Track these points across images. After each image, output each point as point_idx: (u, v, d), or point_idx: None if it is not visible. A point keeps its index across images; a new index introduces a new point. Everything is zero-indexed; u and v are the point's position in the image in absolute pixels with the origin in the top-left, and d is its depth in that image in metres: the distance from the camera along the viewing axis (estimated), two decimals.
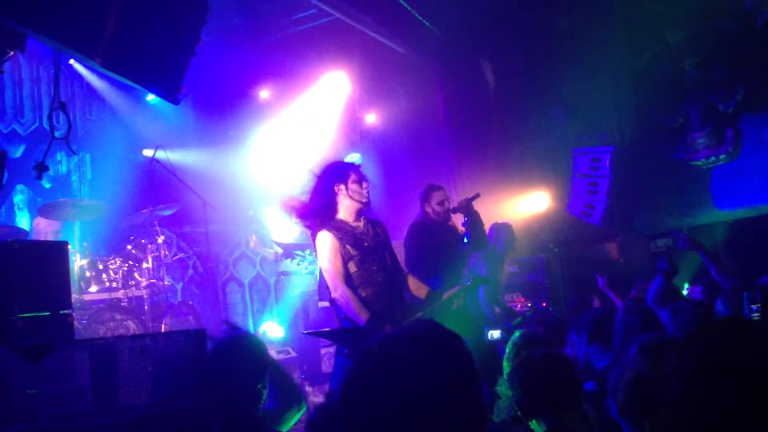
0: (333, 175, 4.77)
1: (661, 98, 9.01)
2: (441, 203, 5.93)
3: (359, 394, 1.43)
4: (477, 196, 5.80)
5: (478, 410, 1.43)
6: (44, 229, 7.19)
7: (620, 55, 9.14)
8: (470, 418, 1.40)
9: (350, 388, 1.45)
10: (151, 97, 8.75)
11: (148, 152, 7.97)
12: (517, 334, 3.83)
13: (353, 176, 4.78)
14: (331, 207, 4.73)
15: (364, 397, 1.41)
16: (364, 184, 4.80)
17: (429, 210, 5.94)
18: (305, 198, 4.77)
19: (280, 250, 8.73)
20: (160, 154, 7.54)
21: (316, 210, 4.71)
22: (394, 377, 1.39)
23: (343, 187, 4.72)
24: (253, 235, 8.71)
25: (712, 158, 8.66)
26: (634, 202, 9.16)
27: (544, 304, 8.25)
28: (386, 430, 1.37)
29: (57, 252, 3.97)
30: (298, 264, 8.28)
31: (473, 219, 5.74)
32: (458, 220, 6.10)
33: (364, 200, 4.76)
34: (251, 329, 9.05)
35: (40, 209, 7.01)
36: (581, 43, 9.14)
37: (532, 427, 2.79)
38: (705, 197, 8.68)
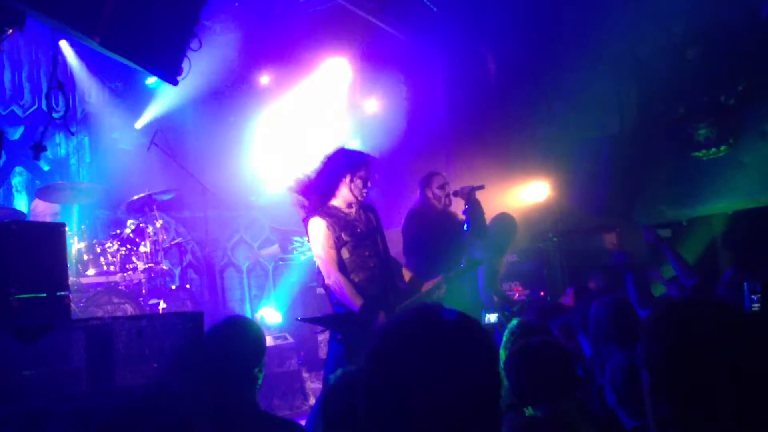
0: (346, 162, 4.77)
1: (662, 89, 8.98)
2: (442, 187, 5.92)
3: (382, 372, 1.42)
4: (482, 187, 5.80)
5: (495, 395, 1.44)
6: (42, 211, 7.17)
7: (622, 46, 9.10)
8: (489, 400, 1.41)
9: (373, 367, 1.45)
10: (150, 81, 8.71)
11: (141, 125, 7.90)
12: (514, 321, 3.83)
13: (362, 172, 4.77)
14: (331, 191, 4.73)
15: (387, 373, 1.41)
16: (368, 184, 4.80)
17: (429, 194, 5.92)
18: (310, 177, 4.77)
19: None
20: (159, 139, 7.52)
21: (318, 189, 4.71)
22: (418, 353, 1.39)
23: (349, 177, 4.72)
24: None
25: (713, 150, 8.63)
26: (634, 194, 9.14)
27: (542, 293, 8.24)
28: (410, 408, 1.37)
29: (54, 234, 3.96)
30: (296, 250, 8.28)
31: (474, 207, 5.74)
32: (458, 208, 6.09)
33: (359, 198, 4.77)
34: (249, 315, 9.05)
35: (38, 191, 6.99)
36: (583, 32, 9.10)
37: (526, 413, 2.80)
38: (705, 189, 8.66)
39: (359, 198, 4.75)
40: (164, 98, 8.88)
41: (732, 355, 1.56)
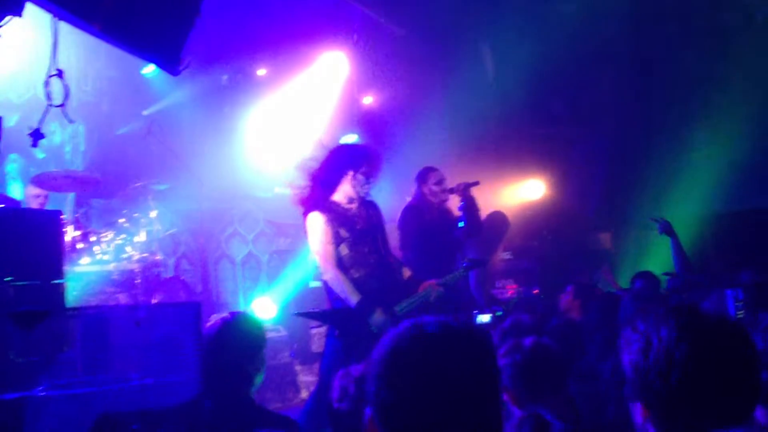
0: (349, 158, 4.75)
1: (659, 90, 9.01)
2: (438, 183, 5.93)
3: (392, 376, 1.45)
4: (477, 183, 5.81)
5: (497, 400, 1.47)
6: (37, 199, 7.12)
7: (623, 45, 9.11)
8: (490, 401, 1.44)
9: (383, 369, 1.47)
10: (147, 71, 8.67)
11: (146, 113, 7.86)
12: (505, 320, 3.84)
13: (364, 168, 4.75)
14: (333, 186, 4.72)
15: (396, 380, 1.44)
16: (371, 180, 4.78)
17: (426, 190, 5.92)
18: (313, 169, 4.75)
19: None
20: (154, 129, 7.49)
21: (319, 184, 4.70)
22: (426, 373, 1.42)
23: (351, 173, 4.70)
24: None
25: (707, 150, 8.67)
26: (629, 194, 9.17)
27: (536, 291, 8.27)
28: (415, 411, 1.40)
29: (50, 221, 3.94)
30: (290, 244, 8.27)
31: (470, 204, 5.75)
32: (453, 204, 6.10)
33: (361, 194, 4.75)
34: (242, 307, 9.03)
35: (33, 179, 6.95)
36: (583, 30, 9.10)
37: (516, 411, 2.80)
38: (699, 191, 8.69)
39: (361, 194, 4.74)
40: (160, 88, 8.84)
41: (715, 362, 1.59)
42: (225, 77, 9.27)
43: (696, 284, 4.89)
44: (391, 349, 1.49)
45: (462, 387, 1.41)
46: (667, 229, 5.90)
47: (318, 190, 4.68)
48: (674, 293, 5.10)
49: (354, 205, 4.76)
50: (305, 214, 4.68)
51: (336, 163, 4.71)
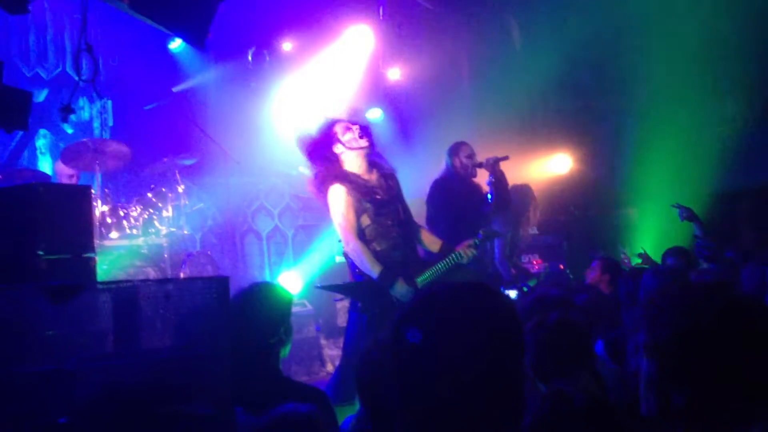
0: (324, 142, 4.70)
1: (692, 62, 8.83)
2: (470, 156, 5.90)
3: (411, 343, 1.44)
4: (506, 158, 5.77)
5: (519, 367, 1.45)
6: (70, 179, 7.21)
7: (652, 17, 8.93)
8: (513, 364, 1.42)
9: (402, 336, 1.46)
10: (174, 45, 8.69)
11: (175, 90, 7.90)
12: (531, 295, 3.82)
13: (340, 129, 4.71)
14: (338, 164, 4.69)
15: (416, 342, 1.42)
16: (354, 128, 4.72)
17: (457, 163, 5.90)
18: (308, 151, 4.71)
19: None
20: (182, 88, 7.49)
21: (324, 172, 4.67)
22: (447, 323, 1.41)
23: (339, 145, 4.66)
24: None
25: (739, 126, 8.51)
26: (656, 168, 9.03)
27: (562, 266, 8.22)
28: (435, 374, 1.38)
29: (80, 195, 3.98)
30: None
31: (499, 178, 5.71)
32: (482, 179, 6.07)
33: (364, 144, 4.69)
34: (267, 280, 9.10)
35: (62, 152, 7.03)
36: (611, 2, 8.94)
37: (541, 387, 2.79)
38: (729, 166, 8.55)
39: (364, 146, 4.67)
40: (188, 63, 8.86)
41: (744, 340, 1.54)
42: (251, 51, 9.24)
43: (729, 262, 4.83)
44: (406, 309, 1.50)
45: (478, 346, 1.39)
46: (690, 216, 5.77)
47: (326, 170, 4.65)
48: (703, 273, 5.03)
49: (374, 176, 4.72)
50: (326, 189, 4.65)
51: (321, 154, 4.67)
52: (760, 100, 8.37)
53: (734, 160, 8.52)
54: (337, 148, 4.65)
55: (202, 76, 9.04)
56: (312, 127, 4.78)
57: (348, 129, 4.71)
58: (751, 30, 8.27)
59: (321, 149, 4.67)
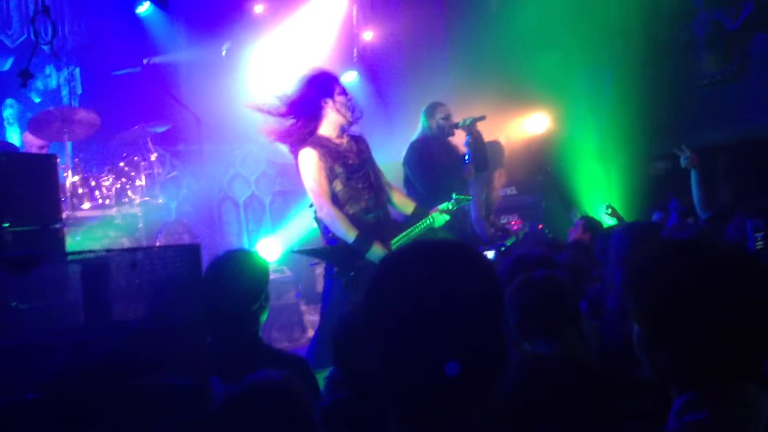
0: (320, 87, 4.58)
1: (667, 17, 8.77)
2: (446, 118, 5.83)
3: (384, 298, 1.40)
4: (483, 117, 5.70)
5: (497, 319, 1.40)
6: (34, 144, 7.03)
7: None
8: (490, 323, 1.38)
9: (375, 293, 1.43)
10: (141, 9, 8.47)
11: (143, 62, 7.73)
12: (511, 255, 3.79)
13: (338, 88, 4.62)
14: (316, 122, 4.57)
15: (389, 302, 1.38)
16: (350, 96, 4.66)
17: (433, 124, 5.82)
18: (284, 110, 4.57)
19: None
20: (155, 61, 7.32)
21: (298, 121, 4.55)
22: (420, 281, 1.36)
23: (330, 101, 4.56)
24: None
25: (718, 78, 8.49)
26: (636, 124, 9.01)
27: (540, 226, 8.22)
28: (410, 334, 1.34)
29: (46, 165, 3.87)
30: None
31: (476, 138, 5.66)
32: (459, 140, 6.00)
33: (349, 117, 4.61)
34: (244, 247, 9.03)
35: (30, 122, 6.84)
36: None
37: (526, 347, 2.77)
38: (708, 119, 8.54)
39: (349, 118, 4.60)
40: (156, 27, 8.64)
41: (729, 298, 1.50)
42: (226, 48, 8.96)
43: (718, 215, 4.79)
44: (379, 269, 1.46)
45: (455, 307, 1.34)
46: (695, 162, 5.55)
47: (302, 123, 4.53)
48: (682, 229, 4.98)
49: (344, 140, 4.64)
50: (296, 151, 4.56)
51: (310, 97, 4.55)
52: (738, 54, 8.33)
53: (711, 113, 8.52)
54: (326, 104, 4.53)
55: (173, 45, 8.83)
56: (309, 71, 4.66)
57: (344, 93, 4.62)
58: None
59: (311, 96, 4.53)
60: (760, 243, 3.38)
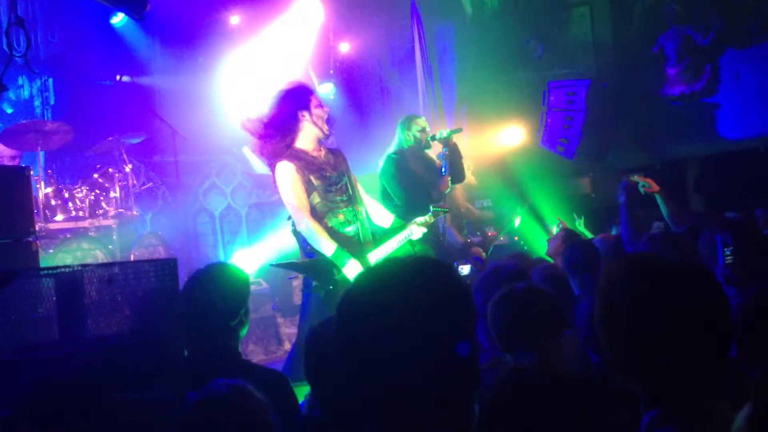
0: (297, 99, 4.59)
1: (639, 31, 8.92)
2: (423, 130, 5.85)
3: (356, 314, 1.39)
4: (459, 130, 5.74)
5: (469, 333, 1.40)
6: (6, 155, 6.94)
7: None
8: (462, 340, 1.37)
9: (345, 308, 1.42)
10: (116, 20, 8.41)
11: (117, 77, 7.70)
12: (487, 268, 3.80)
13: (315, 101, 4.63)
14: (292, 135, 4.57)
15: (360, 318, 1.38)
16: (326, 109, 4.67)
17: (410, 137, 5.84)
18: (264, 120, 4.58)
19: None
20: (127, 78, 7.27)
21: (277, 137, 4.54)
22: (389, 297, 1.36)
23: (306, 113, 4.56)
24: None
25: (688, 93, 8.62)
26: (609, 137, 9.12)
27: (516, 238, 8.26)
28: (380, 348, 1.34)
29: (18, 177, 3.82)
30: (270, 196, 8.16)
31: (453, 151, 5.68)
32: (434, 152, 6.03)
33: (326, 130, 4.63)
34: (222, 260, 8.97)
35: (2, 133, 6.75)
36: None
37: (509, 359, 2.77)
38: (679, 132, 8.68)
39: (326, 131, 4.61)
40: (131, 38, 8.59)
41: (684, 316, 1.52)
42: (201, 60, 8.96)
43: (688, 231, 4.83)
44: (352, 285, 1.46)
45: (425, 324, 1.34)
46: (654, 188, 5.57)
47: (279, 139, 4.53)
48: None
49: (321, 153, 4.65)
50: (273, 164, 4.55)
51: (287, 109, 4.55)
52: (708, 68, 8.48)
53: (681, 127, 8.65)
54: (303, 116, 4.53)
55: (148, 56, 8.78)
56: (285, 85, 4.68)
57: (321, 106, 4.63)
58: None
59: (287, 109, 4.53)
60: (729, 258, 3.42)
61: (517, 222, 7.24)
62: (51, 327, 2.72)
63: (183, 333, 2.80)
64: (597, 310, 1.63)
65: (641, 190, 5.25)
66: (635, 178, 5.34)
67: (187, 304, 2.83)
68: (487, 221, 8.32)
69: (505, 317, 2.71)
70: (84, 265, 2.61)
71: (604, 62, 9.15)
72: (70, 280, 2.67)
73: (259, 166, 8.93)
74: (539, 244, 7.02)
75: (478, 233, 7.88)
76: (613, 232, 5.98)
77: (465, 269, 5.87)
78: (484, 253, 6.68)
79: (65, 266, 2.64)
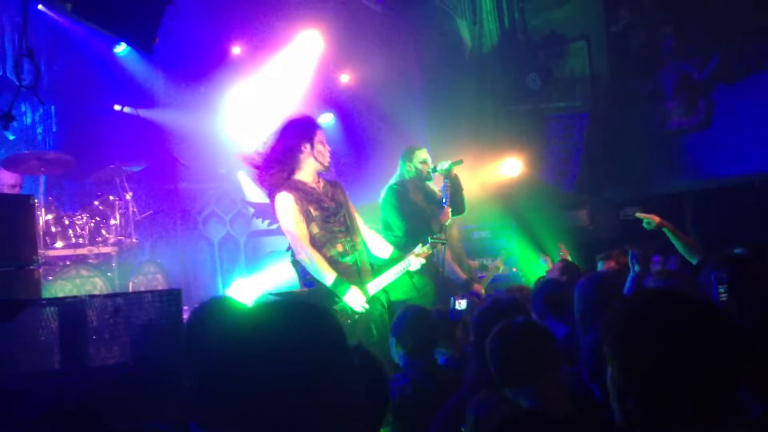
0: (300, 131, 4.67)
1: (635, 66, 9.03)
2: (424, 162, 5.91)
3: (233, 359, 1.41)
4: (460, 162, 5.78)
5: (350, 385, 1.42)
6: (7, 182, 6.96)
7: (596, 21, 9.11)
8: (335, 383, 1.39)
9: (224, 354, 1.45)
10: (119, 49, 8.50)
11: (117, 107, 7.77)
12: (484, 303, 3.82)
13: (319, 135, 4.71)
14: (293, 166, 4.64)
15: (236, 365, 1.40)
16: (328, 148, 4.76)
17: (411, 168, 5.89)
18: (265, 152, 4.65)
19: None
20: (128, 109, 7.34)
21: (277, 168, 4.61)
22: (261, 344, 1.39)
23: (309, 145, 4.63)
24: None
25: (684, 127, 8.71)
26: (605, 170, 9.20)
27: (514, 269, 8.28)
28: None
29: (22, 206, 3.84)
30: (269, 225, 8.20)
31: (453, 183, 5.73)
32: (436, 184, 6.07)
33: (326, 163, 4.71)
34: (220, 289, 8.97)
35: (3, 162, 6.79)
36: (558, 7, 9.10)
37: (507, 393, 2.78)
38: (675, 166, 8.75)
39: (325, 164, 4.69)
40: (133, 67, 8.67)
41: (701, 351, 1.55)
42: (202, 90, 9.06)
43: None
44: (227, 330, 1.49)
45: (297, 374, 1.35)
46: (658, 223, 5.52)
47: (280, 170, 4.61)
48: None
49: (320, 184, 4.72)
50: (272, 195, 4.63)
51: (289, 141, 4.63)
52: (703, 103, 8.58)
53: (678, 161, 8.73)
54: (305, 148, 4.61)
55: (150, 85, 8.85)
56: (292, 115, 4.77)
57: (324, 143, 4.72)
58: (687, 33, 8.49)
59: (290, 141, 4.61)
60: (723, 296, 3.44)
61: (548, 263, 7.08)
62: (53, 356, 2.74)
63: (185, 363, 2.81)
64: (613, 328, 1.65)
65: (646, 226, 5.24)
66: (637, 215, 5.32)
67: (191, 334, 2.84)
68: (487, 253, 8.34)
69: (502, 352, 2.72)
70: (89, 296, 2.63)
71: (600, 96, 9.25)
72: (73, 310, 2.69)
73: (253, 193, 8.99)
74: (537, 275, 7.03)
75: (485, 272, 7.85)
76: (599, 267, 5.94)
77: (462, 303, 5.87)
78: (483, 291, 6.68)
79: (70, 297, 2.66)
